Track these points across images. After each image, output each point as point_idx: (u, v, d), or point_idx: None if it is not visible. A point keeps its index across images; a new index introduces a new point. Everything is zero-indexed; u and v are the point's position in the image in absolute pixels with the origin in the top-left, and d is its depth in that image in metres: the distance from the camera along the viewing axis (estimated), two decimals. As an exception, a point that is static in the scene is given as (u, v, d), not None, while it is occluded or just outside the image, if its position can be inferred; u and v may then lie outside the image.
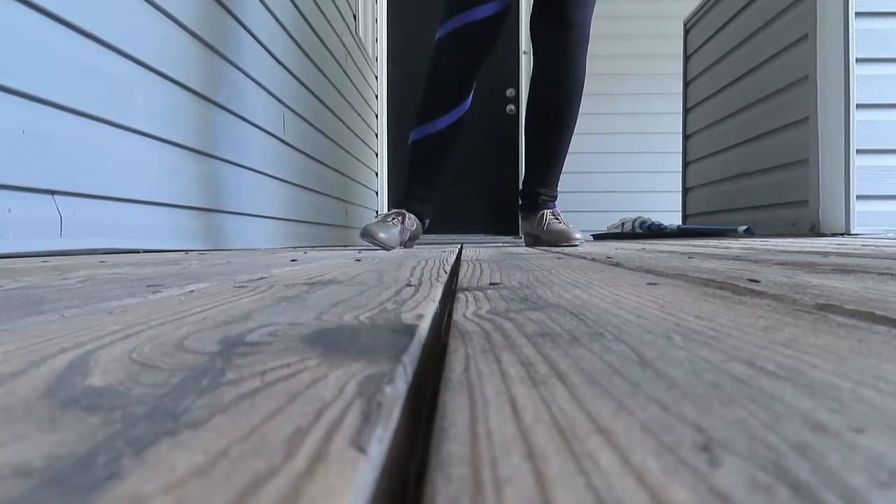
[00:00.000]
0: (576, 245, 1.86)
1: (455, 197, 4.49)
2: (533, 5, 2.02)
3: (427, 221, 2.07)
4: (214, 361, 0.22)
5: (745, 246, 1.36)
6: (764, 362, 0.21)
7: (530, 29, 2.04)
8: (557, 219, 1.99)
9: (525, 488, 0.11)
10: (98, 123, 1.27)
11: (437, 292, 0.45)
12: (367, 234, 1.79)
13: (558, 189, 2.13)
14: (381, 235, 1.79)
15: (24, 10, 1.08)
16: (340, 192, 3.16)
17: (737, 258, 0.84)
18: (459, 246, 1.90)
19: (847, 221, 2.20)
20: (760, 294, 0.40)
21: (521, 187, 2.16)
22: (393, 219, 1.89)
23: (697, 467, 0.12)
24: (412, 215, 1.96)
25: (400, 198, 2.02)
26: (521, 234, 2.19)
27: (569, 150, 2.10)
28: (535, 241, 2.03)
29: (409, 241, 1.97)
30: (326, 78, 2.83)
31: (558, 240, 1.90)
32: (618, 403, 0.17)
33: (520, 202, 2.16)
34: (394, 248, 1.80)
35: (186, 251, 1.51)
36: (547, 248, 1.70)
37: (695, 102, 3.41)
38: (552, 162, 2.09)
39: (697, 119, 3.38)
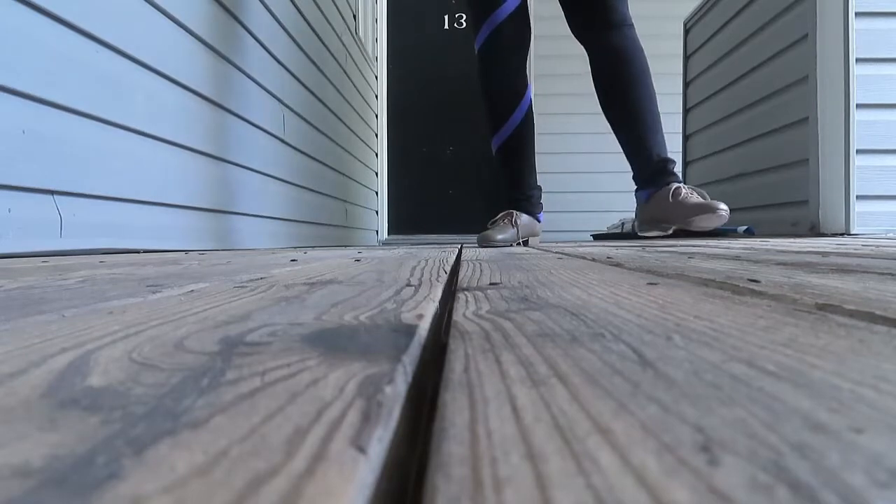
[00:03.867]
0: (723, 216, 1.71)
1: (455, 197, 4.49)
2: (566, 18, 2.01)
3: (541, 216, 2.18)
4: (214, 361, 0.22)
5: (745, 246, 1.36)
6: (764, 362, 0.21)
7: (577, 37, 2.02)
8: (692, 192, 1.83)
9: (525, 488, 0.11)
10: (98, 123, 1.27)
11: (437, 292, 0.45)
12: (484, 239, 1.97)
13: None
14: (499, 237, 1.98)
15: (24, 10, 1.08)
16: (340, 192, 3.16)
17: (737, 258, 0.84)
18: (459, 246, 1.90)
19: (847, 221, 2.20)
20: (760, 294, 0.40)
21: (633, 181, 2.03)
22: (504, 220, 2.07)
23: (697, 467, 0.12)
24: (523, 213, 2.11)
25: (505, 202, 2.15)
26: (634, 228, 2.05)
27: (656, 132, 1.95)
28: (657, 224, 1.88)
29: (531, 238, 2.13)
30: (326, 78, 2.83)
31: (698, 213, 1.73)
32: (618, 403, 0.17)
33: (635, 191, 2.03)
34: (512, 245, 1.98)
35: (186, 251, 1.51)
36: (687, 230, 1.56)
37: (695, 102, 3.41)
38: (647, 134, 1.95)
39: (697, 119, 3.38)
